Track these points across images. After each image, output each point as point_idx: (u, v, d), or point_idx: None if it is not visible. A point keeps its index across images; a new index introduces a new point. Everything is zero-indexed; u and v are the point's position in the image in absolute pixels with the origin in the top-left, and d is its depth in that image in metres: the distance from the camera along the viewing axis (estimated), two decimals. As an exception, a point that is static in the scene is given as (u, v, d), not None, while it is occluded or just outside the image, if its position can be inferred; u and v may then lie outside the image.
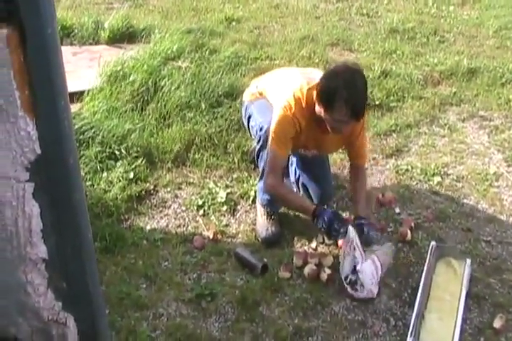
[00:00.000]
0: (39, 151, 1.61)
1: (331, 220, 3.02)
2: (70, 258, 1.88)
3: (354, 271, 2.90)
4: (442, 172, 3.92)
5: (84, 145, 3.75)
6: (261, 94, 3.36)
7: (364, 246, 2.96)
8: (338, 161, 3.95)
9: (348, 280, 2.92)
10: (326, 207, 3.46)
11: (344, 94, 2.84)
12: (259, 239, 3.30)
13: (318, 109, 3.00)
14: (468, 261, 3.08)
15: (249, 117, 3.37)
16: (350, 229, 2.93)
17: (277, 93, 3.21)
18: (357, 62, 5.27)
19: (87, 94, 4.35)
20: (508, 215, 3.55)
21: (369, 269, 2.91)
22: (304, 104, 3.06)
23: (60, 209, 1.77)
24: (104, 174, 3.65)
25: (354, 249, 2.90)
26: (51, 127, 1.61)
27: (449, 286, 2.97)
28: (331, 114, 2.93)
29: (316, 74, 3.20)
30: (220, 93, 4.48)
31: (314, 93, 3.02)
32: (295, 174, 3.56)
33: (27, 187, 1.69)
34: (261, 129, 3.19)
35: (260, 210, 3.40)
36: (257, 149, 3.28)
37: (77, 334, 2.11)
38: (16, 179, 1.67)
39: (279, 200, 3.31)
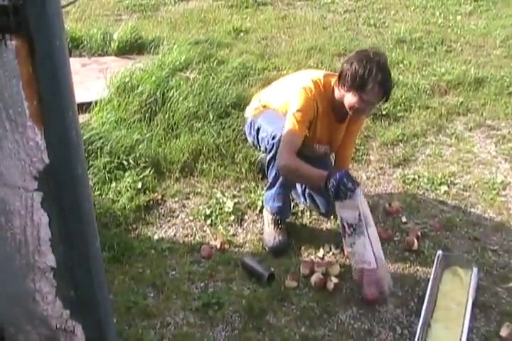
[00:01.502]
0: (47, 161, 1.63)
1: (342, 177, 2.91)
2: (77, 267, 1.90)
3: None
4: (449, 182, 3.92)
5: (92, 155, 3.78)
6: (265, 106, 3.35)
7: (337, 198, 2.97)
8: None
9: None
10: (332, 217, 3.49)
11: (379, 76, 2.99)
12: (267, 248, 3.31)
13: (339, 94, 3.13)
14: (475, 269, 3.07)
15: (258, 130, 3.32)
16: (358, 192, 2.94)
17: (288, 92, 3.22)
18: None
19: (96, 104, 4.38)
20: (515, 224, 3.55)
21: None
22: (322, 89, 3.15)
23: (69, 219, 1.79)
24: (113, 184, 3.67)
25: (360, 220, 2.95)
26: (59, 137, 1.63)
27: (455, 295, 2.97)
28: (363, 96, 3.04)
29: (316, 72, 3.38)
30: (227, 103, 4.51)
31: (333, 80, 3.17)
32: (301, 185, 3.57)
33: (35, 196, 1.71)
34: (273, 138, 3.15)
35: (268, 219, 3.40)
36: (268, 158, 3.24)
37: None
38: (25, 188, 1.70)
39: (294, 177, 3.19)
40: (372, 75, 2.98)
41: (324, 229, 3.47)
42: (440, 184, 3.90)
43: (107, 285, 2.10)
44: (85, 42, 5.79)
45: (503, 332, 2.81)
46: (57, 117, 1.61)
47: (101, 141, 3.86)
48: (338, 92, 3.14)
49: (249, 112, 3.48)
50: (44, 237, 1.81)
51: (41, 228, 1.78)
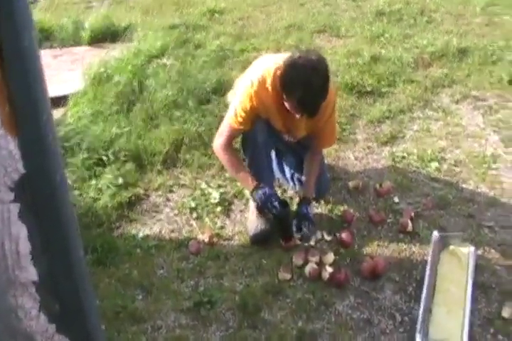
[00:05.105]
0: (23, 170, 1.53)
1: (270, 195, 3.05)
2: (61, 279, 1.80)
3: None
4: (439, 158, 3.83)
5: (69, 152, 3.66)
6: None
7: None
8: (332, 153, 3.85)
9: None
10: (323, 202, 3.41)
11: (299, 93, 2.79)
12: (248, 237, 3.23)
13: None
14: (473, 249, 3.00)
15: None
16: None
17: (247, 79, 3.11)
18: (344, 48, 5.22)
19: (71, 98, 4.25)
20: (509, 198, 3.46)
21: None
22: (269, 83, 2.97)
23: (49, 230, 1.69)
24: (93, 181, 3.55)
25: None
26: (35, 144, 1.53)
27: (454, 277, 2.89)
28: (287, 103, 2.90)
29: (274, 60, 3.13)
30: (207, 89, 4.39)
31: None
32: (289, 169, 3.47)
33: (12, 208, 1.60)
34: None
35: (252, 207, 3.30)
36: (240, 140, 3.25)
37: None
38: (0, 200, 1.59)
39: (223, 164, 3.30)
40: (292, 90, 2.82)
41: (315, 215, 3.35)
42: (430, 160, 3.80)
43: (93, 292, 2.00)
44: (56, 33, 5.63)
45: (506, 313, 2.74)
46: (32, 123, 1.49)
47: (78, 136, 3.75)
48: None
49: (230, 98, 3.41)
50: (23, 251, 1.70)
51: (20, 241, 1.68)
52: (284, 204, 3.14)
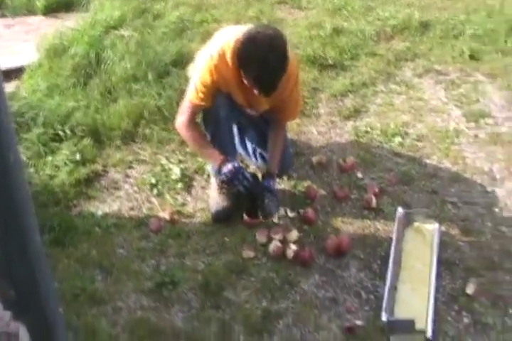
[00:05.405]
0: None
1: (240, 168, 3.01)
2: (16, 261, 1.72)
3: None
4: (402, 132, 3.79)
5: (24, 128, 3.52)
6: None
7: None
8: (295, 127, 3.78)
9: None
10: (286, 178, 3.35)
11: (255, 71, 2.75)
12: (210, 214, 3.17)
13: None
14: (437, 225, 2.99)
15: None
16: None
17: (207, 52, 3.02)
18: (306, 20, 5.12)
19: (25, 71, 4.09)
20: (472, 174, 3.46)
21: None
22: (229, 56, 2.88)
23: (2, 209, 1.60)
24: (49, 158, 3.43)
25: None
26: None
27: (419, 254, 2.89)
28: (244, 79, 2.84)
29: (234, 32, 3.02)
30: (167, 62, 4.25)
31: None
32: (252, 144, 3.40)
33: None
34: None
35: (214, 183, 3.24)
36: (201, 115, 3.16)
37: (31, 344, 1.97)
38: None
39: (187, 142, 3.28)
40: (248, 68, 2.77)
41: (278, 191, 3.28)
42: (393, 135, 3.77)
43: (51, 275, 1.91)
44: (8, 1, 5.39)
45: (469, 290, 2.76)
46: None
47: (33, 111, 3.61)
48: None
49: (190, 72, 3.31)
50: (-25, 232, 1.62)
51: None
52: (254, 176, 3.09)
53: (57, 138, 3.57)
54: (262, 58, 2.70)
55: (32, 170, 3.34)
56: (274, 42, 2.74)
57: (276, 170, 3.20)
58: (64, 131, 3.57)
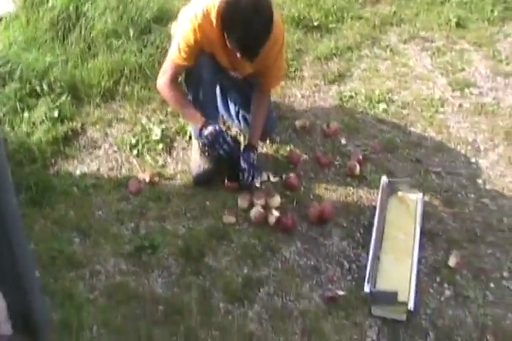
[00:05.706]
0: None
1: (221, 131, 2.93)
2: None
3: None
4: (387, 99, 3.73)
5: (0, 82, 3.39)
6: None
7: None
8: (278, 90, 3.69)
9: None
10: (268, 142, 3.28)
11: (238, 34, 2.66)
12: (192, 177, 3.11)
13: None
14: (421, 195, 2.96)
15: None
16: None
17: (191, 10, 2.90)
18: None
19: (0, 22, 3.92)
20: (456, 143, 3.43)
21: None
22: (213, 16, 2.77)
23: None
24: (26, 114, 3.31)
25: None
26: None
27: (402, 224, 2.87)
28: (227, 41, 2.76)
29: None
30: (148, 18, 4.09)
31: None
32: (235, 106, 3.32)
33: None
34: None
35: (195, 145, 3.16)
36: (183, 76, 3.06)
37: (7, 310, 1.92)
38: None
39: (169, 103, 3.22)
40: (232, 30, 2.67)
41: (261, 154, 3.23)
42: (378, 101, 3.70)
43: (26, 234, 1.84)
44: None
45: (451, 262, 2.75)
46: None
47: (9, 65, 3.47)
48: None
49: (173, 29, 3.18)
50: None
51: None
52: (235, 140, 3.03)
53: (34, 94, 3.44)
54: (246, 20, 2.60)
55: (7, 127, 3.23)
56: (259, 4, 2.64)
57: (257, 142, 3.15)
58: (41, 87, 3.44)
